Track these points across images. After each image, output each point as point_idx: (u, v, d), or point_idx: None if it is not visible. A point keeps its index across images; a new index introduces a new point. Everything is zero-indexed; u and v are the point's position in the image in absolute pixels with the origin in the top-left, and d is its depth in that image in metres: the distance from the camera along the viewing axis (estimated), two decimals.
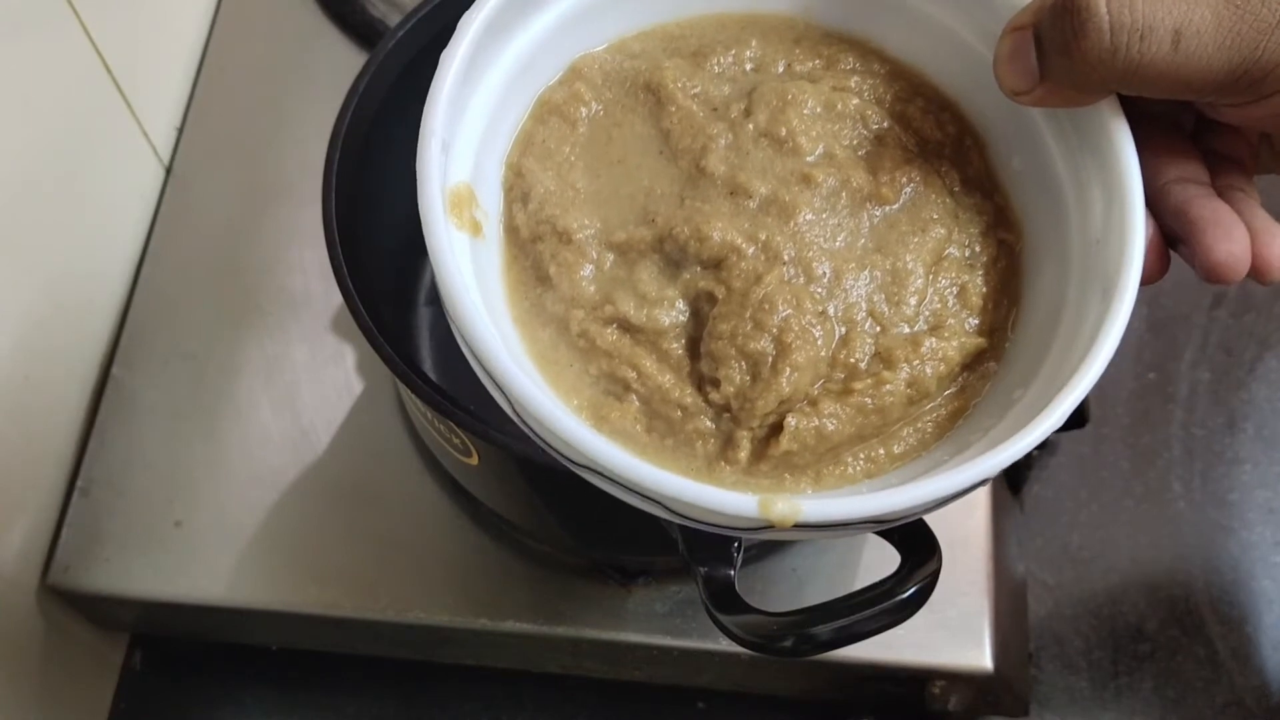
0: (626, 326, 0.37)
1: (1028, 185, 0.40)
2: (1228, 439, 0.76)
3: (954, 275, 0.39)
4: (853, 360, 0.37)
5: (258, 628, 0.67)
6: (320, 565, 0.64)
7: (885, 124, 0.41)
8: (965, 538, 0.62)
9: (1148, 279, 0.36)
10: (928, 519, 0.39)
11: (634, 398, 0.37)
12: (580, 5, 0.41)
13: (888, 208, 0.39)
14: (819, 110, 0.40)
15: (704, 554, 0.42)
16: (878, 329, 0.38)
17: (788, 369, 0.36)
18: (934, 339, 0.38)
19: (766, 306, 0.36)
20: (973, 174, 0.41)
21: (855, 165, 0.39)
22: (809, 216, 0.38)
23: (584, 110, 0.41)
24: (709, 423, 0.37)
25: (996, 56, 0.37)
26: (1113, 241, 0.36)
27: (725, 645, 0.61)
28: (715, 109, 0.40)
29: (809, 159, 0.39)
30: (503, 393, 0.34)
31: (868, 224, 0.39)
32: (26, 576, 0.64)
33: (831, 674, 0.64)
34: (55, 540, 0.65)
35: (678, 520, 0.34)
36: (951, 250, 0.39)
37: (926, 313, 0.38)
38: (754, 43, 0.42)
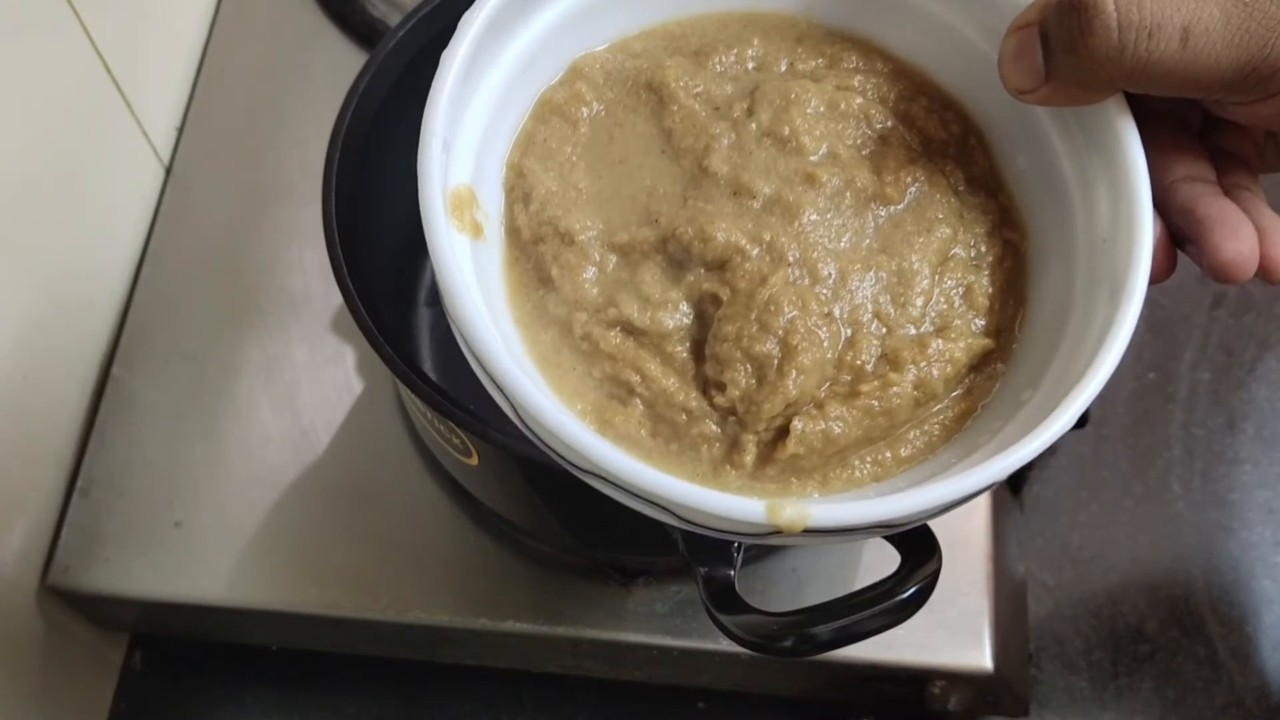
0: (630, 329, 0.37)
1: (1033, 184, 0.40)
2: (1228, 439, 0.76)
3: (960, 276, 0.39)
4: (859, 362, 0.37)
5: (258, 628, 0.67)
6: (320, 565, 0.64)
7: (889, 123, 0.40)
8: (965, 538, 0.62)
9: (1155, 278, 0.36)
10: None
11: (638, 401, 0.37)
12: (581, 4, 0.41)
13: (892, 208, 0.39)
14: (822, 109, 0.40)
15: (704, 554, 0.42)
16: (884, 330, 0.37)
17: (793, 372, 0.36)
18: (940, 340, 0.37)
19: (772, 308, 0.36)
20: (977, 173, 0.41)
21: (859, 165, 0.39)
22: (813, 217, 0.38)
23: (585, 110, 0.41)
24: (714, 426, 0.37)
25: (1001, 55, 0.36)
26: (1120, 241, 0.36)
27: (725, 645, 0.61)
28: (718, 108, 0.40)
29: (813, 159, 0.39)
30: (505, 396, 0.34)
31: (872, 224, 0.39)
32: (26, 576, 0.64)
33: (831, 674, 0.64)
34: (55, 540, 0.65)
35: (684, 526, 0.34)
36: (957, 250, 0.39)
37: (933, 314, 0.38)
38: (756, 41, 0.42)
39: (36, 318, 0.63)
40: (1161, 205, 0.36)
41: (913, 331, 0.38)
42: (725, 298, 0.37)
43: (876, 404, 0.37)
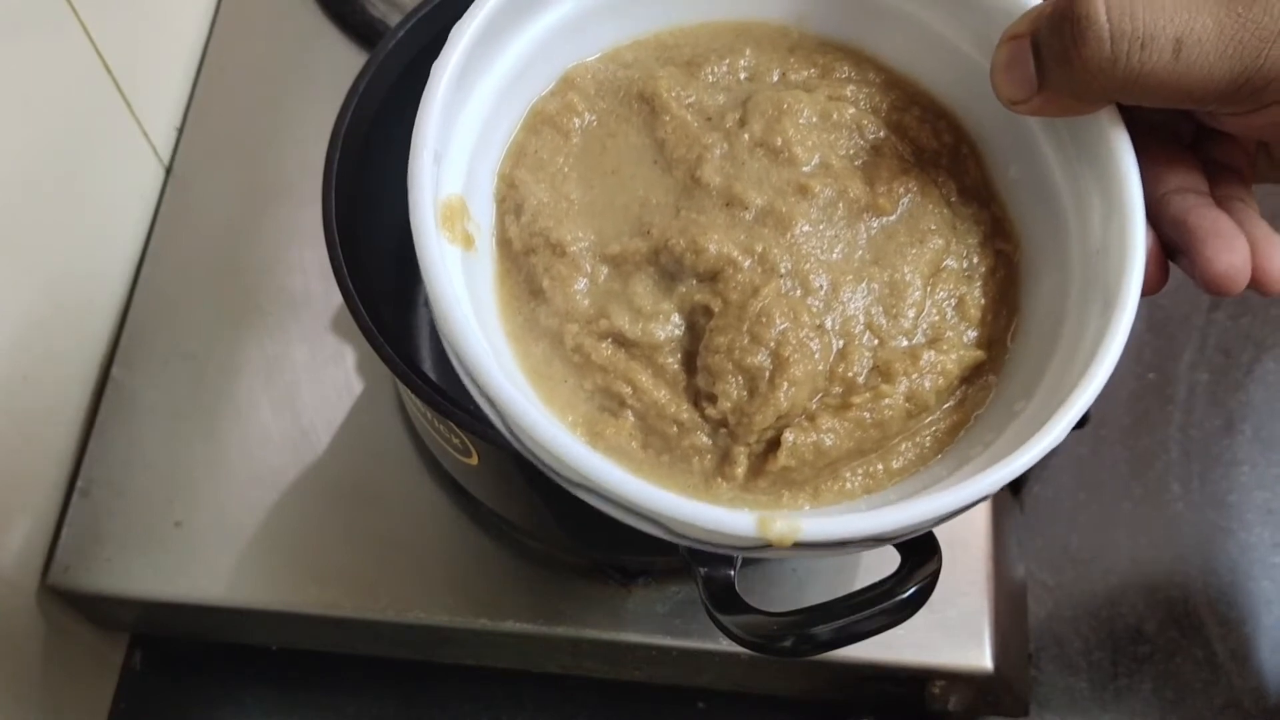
0: (621, 341, 0.37)
1: (1025, 195, 0.40)
2: (1226, 440, 0.76)
3: (952, 287, 0.39)
4: (851, 374, 0.37)
5: (258, 628, 0.67)
6: (320, 565, 0.64)
7: (881, 133, 0.40)
8: (965, 538, 0.62)
9: (1148, 290, 0.36)
10: None
11: (629, 413, 0.37)
12: (572, 14, 0.41)
13: (885, 218, 0.39)
14: (815, 120, 0.40)
15: (704, 555, 0.42)
16: (876, 342, 0.37)
17: (785, 384, 0.36)
18: (932, 352, 0.37)
19: (763, 320, 0.36)
20: (970, 183, 0.40)
21: (852, 175, 0.39)
22: (806, 228, 0.38)
23: (577, 120, 0.40)
24: (706, 438, 0.37)
25: (993, 65, 0.36)
26: (1113, 252, 0.36)
27: (725, 645, 0.61)
28: (710, 119, 0.40)
29: (805, 169, 0.39)
30: (495, 409, 0.34)
31: (865, 235, 0.39)
32: (26, 577, 0.64)
33: (831, 674, 0.64)
34: (55, 540, 0.65)
35: (674, 540, 0.34)
36: (949, 261, 0.39)
37: (925, 325, 0.38)
38: (748, 51, 0.42)
39: (36, 318, 0.63)
40: (1154, 217, 0.36)
41: (905, 343, 0.38)
42: (717, 309, 0.37)
43: (868, 416, 0.37)
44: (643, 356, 0.37)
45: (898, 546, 0.41)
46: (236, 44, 0.77)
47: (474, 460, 0.53)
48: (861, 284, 0.38)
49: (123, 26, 0.67)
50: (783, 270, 0.37)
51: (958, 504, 0.33)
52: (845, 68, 0.42)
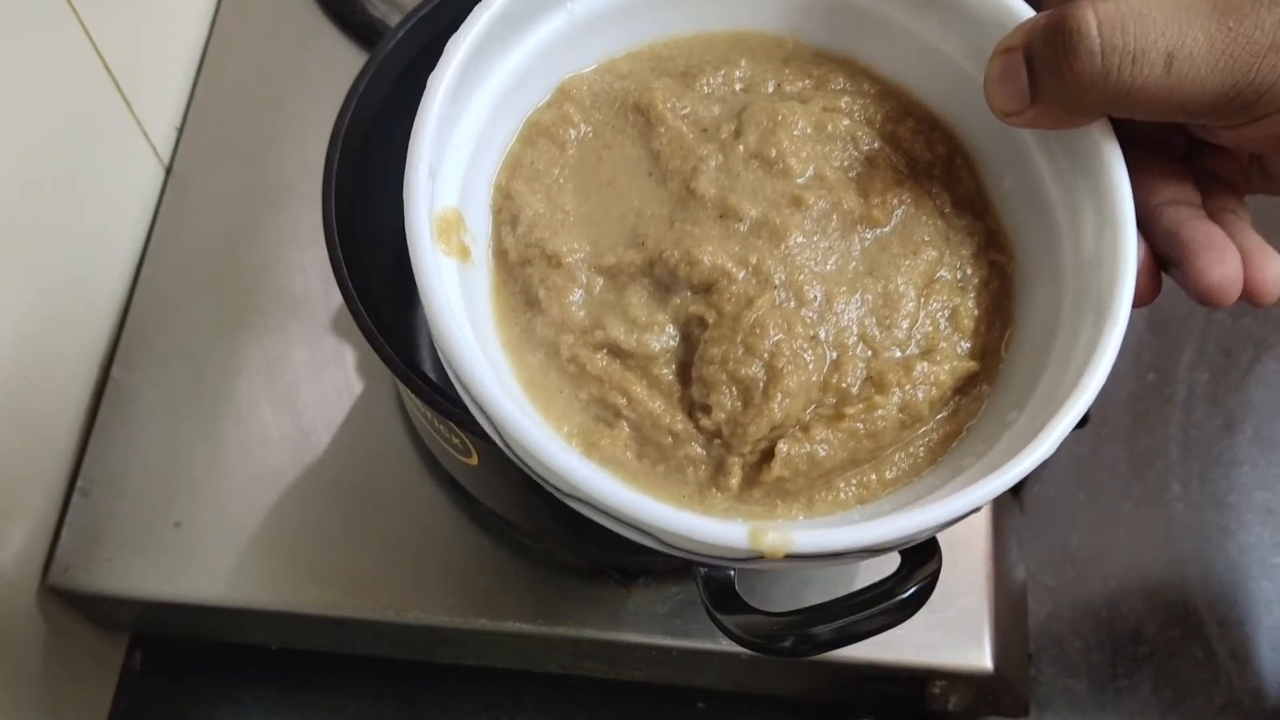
0: (616, 351, 0.37)
1: (1019, 206, 0.40)
2: (1226, 441, 0.76)
3: (945, 298, 0.39)
4: (844, 385, 0.37)
5: (258, 628, 0.67)
6: (320, 565, 0.64)
7: (876, 145, 0.40)
8: (965, 538, 0.62)
9: (1139, 301, 0.36)
10: None
11: (624, 424, 0.37)
12: (568, 26, 0.41)
13: (879, 230, 0.39)
14: (809, 131, 0.40)
15: None
16: (869, 353, 0.37)
17: (779, 394, 0.36)
18: (926, 363, 0.37)
19: (757, 331, 0.36)
20: (964, 195, 0.41)
21: (846, 187, 0.39)
22: (800, 239, 0.38)
23: (573, 132, 0.41)
24: (700, 449, 0.37)
25: (987, 77, 0.36)
26: (1105, 264, 0.36)
27: (725, 645, 0.61)
28: (705, 130, 0.40)
29: (799, 181, 0.39)
30: (489, 420, 0.34)
31: (859, 246, 0.39)
32: (26, 577, 0.64)
33: (831, 674, 0.64)
34: (55, 540, 0.65)
35: (667, 550, 0.34)
36: (943, 273, 0.39)
37: (918, 336, 0.38)
38: (743, 62, 0.42)
39: (36, 318, 0.63)
40: (1146, 228, 0.36)
41: (898, 354, 0.38)
42: (711, 320, 0.37)
43: (862, 427, 0.37)
44: (637, 367, 0.37)
45: None
46: (236, 44, 0.77)
47: (474, 460, 0.53)
48: (855, 295, 0.38)
49: (123, 26, 0.67)
50: (777, 282, 0.37)
51: (951, 515, 0.33)
52: (840, 79, 0.42)
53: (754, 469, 0.37)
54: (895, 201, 0.39)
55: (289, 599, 0.63)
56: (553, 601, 0.62)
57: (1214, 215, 0.36)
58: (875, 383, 0.37)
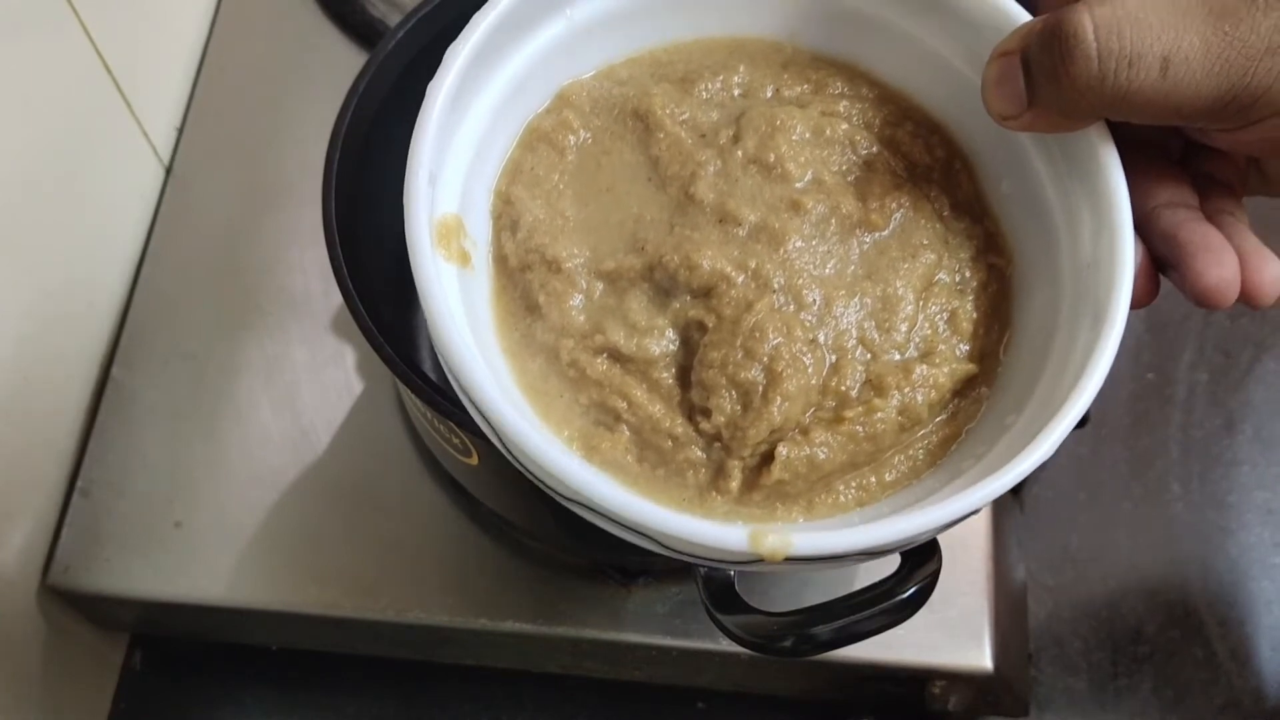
0: (616, 356, 0.37)
1: (1017, 209, 0.40)
2: (1226, 441, 0.76)
3: (944, 301, 0.39)
4: (844, 388, 0.37)
5: (258, 628, 0.67)
6: (320, 565, 0.64)
7: (874, 149, 0.40)
8: (965, 538, 0.62)
9: (1137, 304, 0.36)
10: None
11: (625, 428, 0.37)
12: (567, 32, 0.41)
13: (877, 234, 0.39)
14: (808, 136, 0.40)
15: None
16: (868, 356, 0.38)
17: (778, 398, 0.36)
18: (925, 366, 0.38)
19: (757, 335, 0.36)
20: (962, 198, 0.41)
21: (844, 191, 0.39)
22: (798, 243, 0.38)
23: (572, 138, 0.41)
24: (700, 452, 0.37)
25: (984, 81, 0.36)
26: (1103, 266, 0.36)
27: (725, 645, 0.61)
28: (704, 135, 0.40)
29: (798, 185, 0.39)
30: (489, 425, 0.34)
31: (857, 250, 0.39)
32: (26, 577, 0.64)
33: (831, 674, 0.64)
34: (55, 540, 0.65)
35: (667, 554, 0.34)
36: (942, 276, 0.39)
37: (917, 339, 0.38)
38: (742, 68, 0.42)
39: (36, 318, 0.63)
40: (1144, 231, 0.36)
41: (897, 357, 0.38)
42: (711, 324, 0.37)
43: (861, 429, 0.37)
44: (637, 371, 0.37)
45: None
46: (236, 44, 0.77)
47: (474, 460, 0.53)
48: (854, 299, 0.38)
49: (123, 26, 0.67)
50: (776, 286, 0.37)
51: (950, 517, 0.33)
52: (838, 83, 0.42)
53: (754, 472, 0.37)
54: (894, 205, 0.39)
55: (289, 599, 0.63)
56: (553, 601, 0.62)
57: (1212, 217, 0.37)
58: (874, 386, 0.37)
